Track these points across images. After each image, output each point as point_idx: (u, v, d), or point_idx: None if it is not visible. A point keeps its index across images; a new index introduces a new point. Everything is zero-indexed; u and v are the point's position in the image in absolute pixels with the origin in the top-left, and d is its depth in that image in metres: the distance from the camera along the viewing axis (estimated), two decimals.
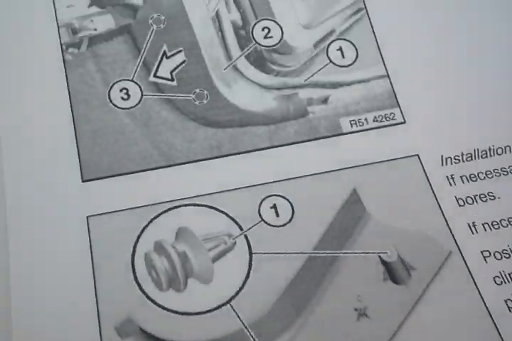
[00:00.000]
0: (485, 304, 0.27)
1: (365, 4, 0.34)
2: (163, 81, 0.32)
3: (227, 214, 0.29)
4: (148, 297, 0.27)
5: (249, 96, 0.32)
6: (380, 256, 0.28)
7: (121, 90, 0.32)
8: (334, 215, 0.29)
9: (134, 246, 0.28)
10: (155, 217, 0.29)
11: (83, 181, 0.30)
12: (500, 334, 0.26)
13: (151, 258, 0.28)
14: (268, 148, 0.31)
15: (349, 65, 0.33)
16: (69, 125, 0.31)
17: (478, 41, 0.33)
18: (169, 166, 0.31)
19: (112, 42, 0.33)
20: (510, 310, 0.27)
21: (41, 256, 0.28)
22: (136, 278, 0.27)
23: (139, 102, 0.32)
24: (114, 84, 0.32)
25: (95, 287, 0.27)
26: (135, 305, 0.27)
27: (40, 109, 0.31)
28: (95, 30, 0.33)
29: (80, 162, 0.30)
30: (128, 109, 0.32)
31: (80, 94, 0.32)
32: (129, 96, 0.32)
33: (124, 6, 0.33)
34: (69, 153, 0.30)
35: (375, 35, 0.33)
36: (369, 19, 0.33)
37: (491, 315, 0.26)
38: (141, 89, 0.32)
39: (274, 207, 0.29)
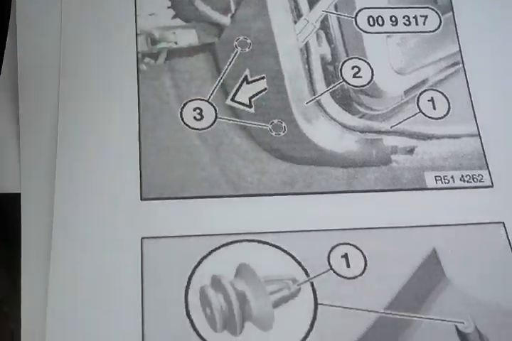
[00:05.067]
0: None
1: (462, 59, 0.34)
2: (241, 106, 0.32)
3: (293, 257, 0.28)
4: (200, 336, 0.25)
5: (330, 135, 0.32)
6: (456, 326, 0.27)
7: (194, 109, 0.31)
8: (410, 275, 0.28)
9: (190, 278, 0.27)
10: (215, 249, 0.28)
11: (142, 199, 0.29)
12: None
13: (206, 293, 0.26)
14: (345, 192, 0.30)
15: (440, 118, 0.32)
16: (134, 139, 0.30)
17: None
18: (236, 196, 0.29)
19: (192, 58, 0.32)
20: None
21: (89, 274, 0.26)
22: (188, 312, 0.26)
23: (212, 124, 0.31)
24: (188, 102, 0.31)
25: (143, 316, 0.26)
26: None
27: (107, 118, 0.30)
28: (176, 43, 0.32)
29: (140, 178, 0.29)
30: (199, 130, 0.31)
31: (150, 108, 0.31)
32: (202, 116, 0.31)
33: (211, 24, 0.33)
34: (131, 167, 0.29)
35: (469, 92, 0.33)
36: (465, 74, 0.33)
37: None
38: (216, 112, 0.31)
39: (346, 256, 0.28)
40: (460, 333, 0.27)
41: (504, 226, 0.30)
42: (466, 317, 0.27)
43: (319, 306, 0.27)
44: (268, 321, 0.26)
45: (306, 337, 0.26)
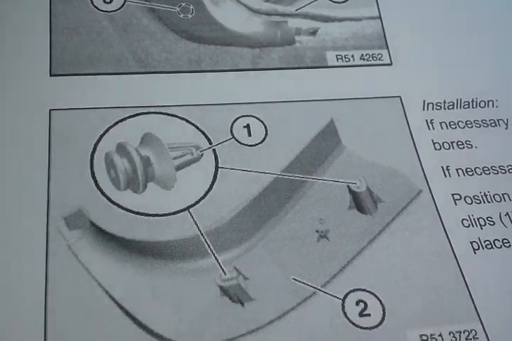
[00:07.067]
0: (450, 243, 0.28)
1: None
2: None
3: (197, 127, 0.30)
4: (103, 193, 0.27)
5: (236, 17, 0.33)
6: (348, 186, 0.29)
7: None
8: (308, 142, 0.30)
9: (96, 145, 0.29)
10: (121, 120, 0.29)
11: (51, 75, 0.30)
12: (462, 273, 0.27)
13: (111, 158, 0.28)
14: (250, 70, 0.32)
15: (343, 2, 0.34)
16: (45, 19, 0.31)
17: None
18: (144, 73, 0.31)
19: None
20: (475, 252, 0.28)
21: None
22: (93, 174, 0.28)
23: (121, 7, 0.32)
24: None
25: (49, 175, 0.27)
26: (88, 200, 0.27)
27: (18, 2, 0.31)
28: None
29: (50, 56, 0.31)
30: (109, 12, 0.32)
31: None
32: None
33: None
34: (41, 45, 0.31)
35: None
36: None
37: (454, 254, 0.28)
38: None
39: (248, 126, 0.30)
40: (352, 192, 0.29)
41: (401, 100, 0.32)
42: (359, 178, 0.29)
43: (220, 169, 0.29)
44: (170, 181, 0.28)
45: (205, 195, 0.28)
